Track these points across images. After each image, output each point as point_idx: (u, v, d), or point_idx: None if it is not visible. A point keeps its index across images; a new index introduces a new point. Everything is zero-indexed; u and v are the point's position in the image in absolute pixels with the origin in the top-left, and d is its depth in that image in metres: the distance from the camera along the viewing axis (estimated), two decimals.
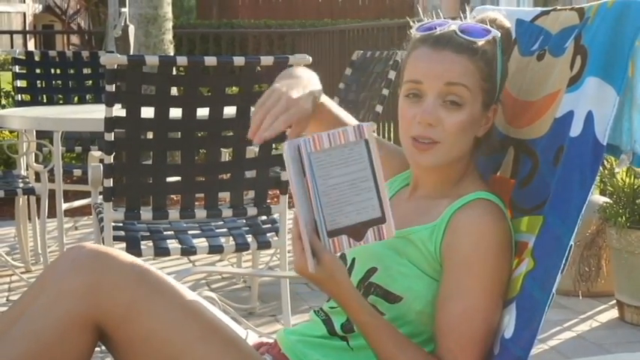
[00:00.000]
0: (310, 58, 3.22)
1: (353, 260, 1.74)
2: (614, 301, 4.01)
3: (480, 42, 1.66)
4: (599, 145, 1.56)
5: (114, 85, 3.05)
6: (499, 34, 1.70)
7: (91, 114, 3.93)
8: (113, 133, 3.08)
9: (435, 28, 1.67)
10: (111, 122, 3.07)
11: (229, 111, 3.20)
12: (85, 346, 1.66)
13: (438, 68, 1.64)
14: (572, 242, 1.57)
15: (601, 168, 3.99)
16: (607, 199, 3.97)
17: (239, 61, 3.14)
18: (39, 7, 34.63)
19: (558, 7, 1.81)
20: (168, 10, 7.43)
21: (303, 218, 1.47)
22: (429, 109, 1.62)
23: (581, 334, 3.76)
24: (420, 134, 1.64)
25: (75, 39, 11.81)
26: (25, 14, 35.25)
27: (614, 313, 4.00)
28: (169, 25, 7.41)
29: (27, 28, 29.07)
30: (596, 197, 4.14)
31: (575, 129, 1.59)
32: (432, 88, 1.63)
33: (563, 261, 1.57)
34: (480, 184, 1.72)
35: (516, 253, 1.67)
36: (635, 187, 3.84)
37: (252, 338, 1.84)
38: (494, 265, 1.62)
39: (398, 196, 1.84)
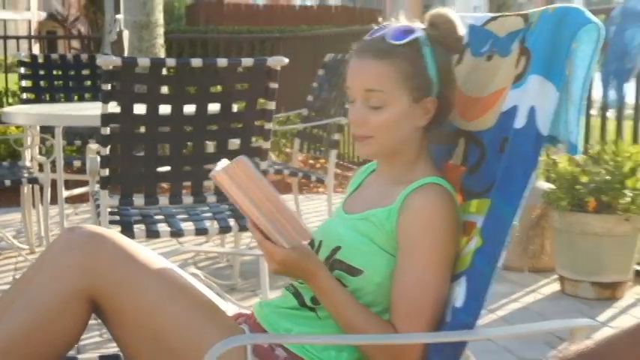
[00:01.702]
0: (286, 60, 3.23)
1: (320, 242, 1.76)
2: (556, 276, 4.05)
3: (400, 44, 1.66)
4: (541, 136, 1.57)
5: (109, 85, 3.06)
6: (422, 34, 1.69)
7: (89, 111, 3.93)
8: (109, 128, 3.09)
9: (370, 35, 1.71)
10: (106, 118, 3.08)
11: (213, 107, 3.22)
12: (80, 318, 1.67)
13: (358, 76, 1.70)
14: (515, 222, 1.58)
15: (545, 157, 4.04)
16: (551, 185, 3.99)
17: (222, 62, 3.16)
18: (43, 15, 34.48)
19: (505, 14, 1.81)
20: (159, 17, 7.41)
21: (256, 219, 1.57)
22: (355, 113, 1.69)
23: (526, 305, 3.79)
24: (354, 132, 1.72)
25: (75, 43, 11.76)
26: (30, 21, 35.17)
27: (556, 286, 4.03)
28: (161, 30, 7.39)
29: (32, 34, 28.91)
30: (541, 184, 4.15)
31: (519, 122, 1.59)
32: (357, 94, 1.70)
33: (508, 239, 1.58)
34: (432, 171, 1.73)
35: (466, 232, 1.68)
36: (575, 174, 3.86)
37: (232, 310, 1.84)
38: (442, 243, 1.63)
39: (366, 182, 1.88)
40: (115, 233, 1.78)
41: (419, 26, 1.71)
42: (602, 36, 1.55)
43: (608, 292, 3.81)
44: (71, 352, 1.80)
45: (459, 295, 1.60)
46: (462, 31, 1.74)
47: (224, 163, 1.57)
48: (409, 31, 1.68)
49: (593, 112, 4.58)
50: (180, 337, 1.63)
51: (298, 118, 5.59)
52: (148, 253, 1.75)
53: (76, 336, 1.70)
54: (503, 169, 1.60)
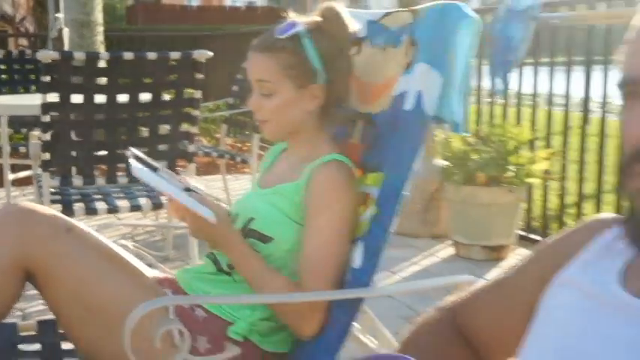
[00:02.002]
0: (210, 54, 3.22)
1: (236, 214, 1.75)
2: (451, 241, 4.10)
3: (282, 38, 1.67)
4: (427, 117, 1.58)
5: (49, 77, 2.98)
6: (302, 28, 1.69)
7: (31, 101, 3.81)
8: (48, 116, 3.01)
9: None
10: (46, 107, 3.00)
11: (145, 97, 3.17)
12: (15, 287, 1.63)
13: (250, 69, 1.72)
14: (406, 192, 1.59)
15: (442, 138, 4.10)
16: (446, 163, 4.04)
17: (152, 55, 3.10)
18: None
19: (397, 9, 1.82)
20: (99, 16, 7.25)
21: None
22: (253, 101, 1.72)
23: (425, 267, 3.84)
24: (255, 117, 1.74)
25: (24, 41, 11.41)
26: None
27: (451, 250, 4.08)
28: (100, 29, 7.23)
29: None
30: (438, 161, 4.21)
31: (408, 104, 1.60)
32: (253, 84, 1.72)
33: (399, 207, 1.59)
34: (333, 148, 1.72)
35: (363, 202, 1.68)
36: (467, 152, 3.92)
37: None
38: (342, 212, 1.63)
39: (276, 161, 1.88)
40: (45, 208, 1.74)
41: (304, 20, 1.71)
42: (479, 29, 1.57)
43: (495, 253, 3.88)
44: (14, 320, 1.76)
45: (357, 257, 1.61)
46: (350, 22, 1.74)
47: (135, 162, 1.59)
48: (292, 25, 1.69)
49: (486, 99, 4.64)
50: (108, 301, 1.60)
51: (225, 106, 5.53)
52: (81, 226, 1.71)
53: (11, 303, 1.65)
54: (394, 146, 1.62)
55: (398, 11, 1.80)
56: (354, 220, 1.66)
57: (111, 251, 1.68)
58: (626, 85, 0.87)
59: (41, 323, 1.90)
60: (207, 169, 6.37)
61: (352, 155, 1.75)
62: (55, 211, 1.74)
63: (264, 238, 1.66)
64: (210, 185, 5.60)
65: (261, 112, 1.70)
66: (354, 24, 1.75)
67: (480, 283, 1.19)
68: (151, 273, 1.77)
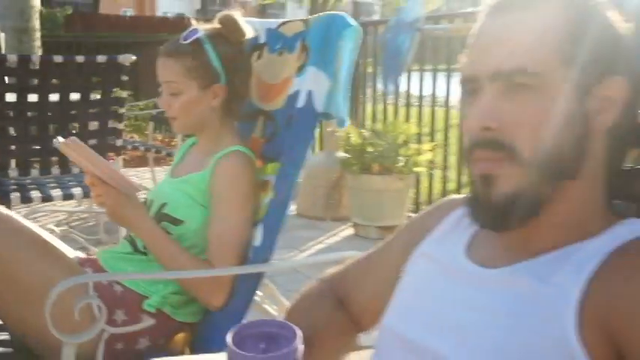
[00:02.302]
0: (134, 57, 3.12)
1: (151, 201, 1.72)
2: (351, 223, 4.12)
3: (185, 44, 1.66)
4: (316, 113, 1.59)
5: None
6: (203, 34, 1.68)
7: None
8: None
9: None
10: None
11: (75, 96, 3.06)
12: None
13: (159, 72, 1.69)
14: (299, 179, 1.59)
15: (342, 134, 4.12)
16: (345, 155, 4.07)
17: (80, 59, 3.01)
18: None
19: (292, 19, 1.81)
20: (36, 23, 6.99)
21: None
22: (162, 100, 1.70)
23: (329, 246, 3.85)
24: (166, 115, 1.71)
25: None
26: None
27: (350, 230, 4.10)
28: (38, 34, 6.97)
29: None
30: (340, 153, 4.24)
31: (301, 102, 1.60)
32: (163, 85, 1.69)
33: (294, 192, 1.60)
34: (236, 141, 1.71)
35: (264, 189, 1.68)
36: (363, 146, 3.95)
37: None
38: (243, 196, 1.63)
39: (187, 153, 1.85)
40: None
41: (205, 27, 1.70)
42: (360, 36, 1.58)
43: (388, 233, 3.87)
44: None
45: (258, 236, 1.60)
46: (246, 28, 1.73)
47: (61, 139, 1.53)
48: (194, 32, 1.68)
49: (380, 99, 4.69)
50: (30, 279, 1.53)
51: (153, 105, 5.44)
52: (7, 212, 1.64)
53: None
54: (289, 139, 1.62)
55: (292, 21, 1.80)
56: (254, 204, 1.65)
57: (33, 234, 1.61)
58: (465, 84, 0.89)
59: None
60: (138, 162, 6.23)
61: (254, 148, 1.74)
62: None
63: (176, 221, 1.64)
64: (140, 176, 5.48)
65: (171, 110, 1.68)
66: (250, 30, 1.74)
67: (356, 257, 1.20)
68: (72, 254, 1.72)
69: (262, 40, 1.83)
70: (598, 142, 0.87)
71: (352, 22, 1.58)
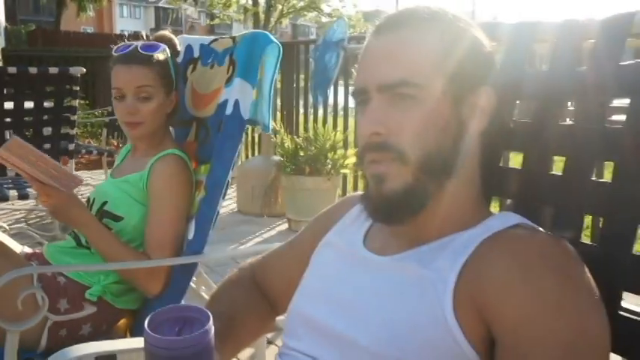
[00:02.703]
0: (84, 69, 3.05)
1: (93, 199, 1.67)
2: (285, 219, 4.11)
3: (156, 54, 1.63)
4: (243, 120, 1.57)
5: None
6: (166, 47, 1.67)
7: None
8: None
9: (125, 49, 1.62)
10: None
11: (29, 104, 2.96)
12: None
13: (129, 77, 1.60)
14: (228, 179, 1.57)
15: (276, 140, 4.10)
16: (280, 158, 4.06)
17: (33, 70, 2.92)
18: None
19: (222, 36, 1.79)
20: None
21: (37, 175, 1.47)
22: (128, 105, 1.60)
23: (265, 239, 3.82)
24: (127, 120, 1.62)
25: None
26: None
27: (285, 225, 4.09)
28: None
29: None
30: (275, 157, 4.23)
31: (229, 110, 1.58)
32: (129, 90, 1.60)
33: (224, 190, 1.58)
34: (173, 145, 1.68)
35: (197, 188, 1.65)
36: (296, 150, 3.95)
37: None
38: (178, 195, 1.60)
39: (127, 157, 1.79)
40: None
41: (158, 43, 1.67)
42: (280, 52, 1.58)
43: None
44: None
45: (191, 231, 1.58)
46: (178, 45, 1.74)
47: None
48: (158, 45, 1.65)
49: (310, 110, 4.69)
50: None
51: (107, 113, 5.31)
52: None
53: None
54: (219, 143, 1.59)
55: (223, 37, 1.78)
56: (188, 201, 1.62)
57: None
58: (357, 95, 0.90)
59: None
60: (95, 165, 6.08)
61: (189, 151, 1.71)
62: None
63: (116, 218, 1.60)
64: (95, 177, 5.33)
65: (138, 115, 1.60)
66: (178, 44, 1.76)
67: (274, 247, 1.19)
68: (19, 249, 1.65)
69: (196, 54, 1.81)
70: (473, 145, 0.89)
71: (274, 39, 1.57)
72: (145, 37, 1.73)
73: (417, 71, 0.84)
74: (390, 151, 0.84)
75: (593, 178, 0.91)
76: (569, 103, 1.02)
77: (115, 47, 1.64)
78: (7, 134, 2.94)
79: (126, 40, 1.68)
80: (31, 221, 4.15)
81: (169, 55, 1.67)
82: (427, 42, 0.85)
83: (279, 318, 1.14)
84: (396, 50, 0.85)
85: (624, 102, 0.91)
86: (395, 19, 0.88)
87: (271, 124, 1.65)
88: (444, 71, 0.85)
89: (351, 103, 4.27)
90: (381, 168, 0.85)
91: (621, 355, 0.84)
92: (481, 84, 0.88)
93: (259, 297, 1.12)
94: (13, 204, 4.25)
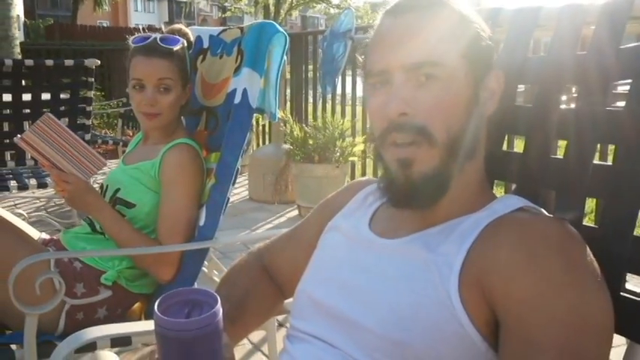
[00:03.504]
0: (99, 61, 3.04)
1: (106, 186, 1.67)
2: (296, 205, 4.10)
3: (176, 48, 1.62)
4: (251, 108, 1.57)
5: None
6: (185, 41, 1.66)
7: None
8: None
9: (144, 40, 1.61)
10: None
11: (46, 96, 2.97)
12: None
13: (151, 69, 1.59)
14: (238, 166, 1.57)
15: (286, 129, 4.09)
16: (290, 146, 4.05)
17: (49, 62, 2.91)
18: None
19: (230, 27, 1.78)
20: (16, 32, 6.76)
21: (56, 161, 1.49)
22: (148, 96, 1.59)
23: (276, 225, 3.82)
24: (145, 111, 1.61)
25: None
26: None
27: (295, 212, 4.08)
28: (17, 42, 6.76)
29: None
30: (285, 146, 4.22)
31: (238, 99, 1.57)
32: (150, 82, 1.59)
33: (234, 177, 1.57)
34: (185, 134, 1.67)
35: (208, 175, 1.64)
36: (305, 138, 3.94)
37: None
38: (189, 182, 1.59)
39: (138, 145, 1.78)
40: None
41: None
42: (287, 42, 1.56)
43: None
44: None
45: (202, 217, 1.57)
46: (191, 37, 1.73)
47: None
48: (176, 39, 1.64)
49: (319, 98, 4.67)
50: None
51: (122, 104, 5.32)
52: None
53: None
54: (229, 131, 1.58)
55: (231, 28, 1.77)
56: (199, 189, 1.61)
57: (3, 220, 1.55)
58: (374, 77, 0.86)
59: None
60: (111, 154, 6.09)
61: (200, 139, 1.71)
62: None
63: (129, 205, 1.60)
64: (111, 166, 5.35)
65: (157, 106, 1.60)
66: (192, 36, 1.73)
67: (281, 233, 1.19)
68: (37, 235, 1.66)
69: (206, 45, 1.80)
70: (483, 128, 0.88)
71: (280, 29, 1.56)
72: (161, 30, 1.72)
73: (441, 51, 0.82)
74: (416, 132, 0.82)
75: (596, 161, 0.89)
76: (572, 88, 1.00)
77: (132, 37, 1.62)
78: (26, 125, 2.95)
79: (143, 32, 1.66)
80: (50, 209, 4.17)
81: (186, 49, 1.67)
82: (447, 23, 0.83)
83: (288, 301, 1.13)
84: (419, 30, 0.83)
85: (625, 87, 0.89)
86: (410, 1, 0.85)
87: (279, 112, 1.63)
88: (463, 52, 0.83)
89: (359, 92, 4.25)
90: (408, 152, 0.83)
91: (624, 336, 0.82)
92: (492, 67, 0.87)
93: (267, 280, 1.11)
94: (33, 192, 4.29)
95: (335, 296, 0.88)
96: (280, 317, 2.10)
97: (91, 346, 1.28)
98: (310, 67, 4.73)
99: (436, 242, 0.83)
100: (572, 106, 0.93)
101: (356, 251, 0.91)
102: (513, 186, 1.00)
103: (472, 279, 0.77)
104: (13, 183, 2.97)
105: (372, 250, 0.90)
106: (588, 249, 0.78)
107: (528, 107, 0.98)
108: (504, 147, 1.02)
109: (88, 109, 3.10)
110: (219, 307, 0.78)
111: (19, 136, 1.46)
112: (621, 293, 0.83)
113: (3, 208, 1.65)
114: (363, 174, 4.30)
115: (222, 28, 1.81)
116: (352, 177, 4.28)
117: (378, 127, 0.86)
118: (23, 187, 2.98)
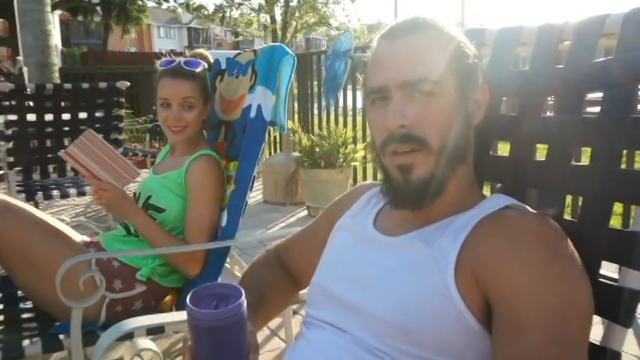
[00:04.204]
0: (128, 83, 3.05)
1: (139, 193, 1.68)
2: (305, 206, 4.10)
3: (198, 70, 1.62)
4: (265, 122, 1.57)
5: (8, 102, 2.74)
6: (206, 64, 1.67)
7: None
8: (10, 130, 2.77)
9: (170, 64, 1.62)
10: (8, 124, 2.76)
11: (82, 115, 2.98)
12: None
13: (176, 89, 1.60)
14: (254, 173, 1.57)
15: (295, 138, 4.09)
16: (298, 154, 4.05)
17: (85, 85, 2.92)
18: None
19: (245, 50, 1.79)
20: (55, 59, 6.84)
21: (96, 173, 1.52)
22: (174, 113, 1.61)
23: (288, 224, 3.81)
24: (172, 125, 1.62)
25: (3, 77, 10.57)
26: None
27: (305, 212, 4.08)
28: (56, 67, 6.84)
29: None
30: (294, 153, 4.22)
31: (253, 113, 1.57)
32: (175, 100, 1.60)
33: (251, 183, 1.57)
34: (207, 146, 1.67)
35: (228, 182, 1.65)
36: (313, 146, 3.94)
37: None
38: (212, 189, 1.59)
39: (167, 157, 1.78)
40: (5, 197, 1.57)
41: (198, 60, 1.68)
42: (295, 62, 1.57)
43: None
44: None
45: (224, 219, 1.57)
46: (211, 59, 1.75)
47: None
48: (198, 62, 1.65)
49: (324, 111, 4.67)
50: (43, 259, 1.48)
51: (149, 120, 5.34)
52: (19, 204, 1.56)
53: None
54: (245, 142, 1.59)
55: (246, 51, 1.77)
56: (221, 194, 1.62)
57: (45, 223, 1.55)
58: (374, 93, 0.87)
59: (2, 278, 1.75)
60: (140, 165, 6.10)
61: (220, 150, 1.71)
62: (9, 197, 1.58)
63: (159, 210, 1.60)
64: (142, 176, 5.36)
65: (182, 121, 1.61)
66: (211, 59, 1.75)
67: (294, 231, 1.19)
68: (79, 238, 1.67)
69: (223, 66, 1.80)
70: (472, 136, 0.88)
71: (289, 51, 1.56)
72: (184, 54, 1.73)
73: (435, 70, 0.82)
74: (414, 142, 0.82)
75: (573, 163, 0.89)
76: (550, 98, 1.00)
77: (160, 61, 1.64)
78: (65, 141, 2.96)
79: (167, 56, 1.68)
80: (88, 214, 4.18)
81: (207, 70, 1.68)
82: (437, 45, 0.84)
83: (303, 292, 1.13)
84: (415, 51, 0.83)
85: (598, 95, 0.89)
86: (406, 25, 0.85)
87: (288, 124, 1.63)
88: (453, 70, 0.83)
89: (359, 104, 4.25)
90: (407, 158, 0.83)
91: (601, 316, 0.82)
92: (479, 81, 0.87)
93: (284, 274, 1.12)
94: (73, 200, 4.31)
95: (346, 288, 0.88)
96: (295, 306, 2.10)
97: (129, 335, 1.29)
98: (315, 83, 4.74)
99: (433, 238, 0.83)
100: (551, 114, 0.93)
101: (363, 247, 0.92)
102: (498, 185, 1.01)
103: (466, 270, 0.77)
104: (56, 192, 2.99)
105: (376, 246, 0.90)
106: (569, 240, 0.78)
107: (513, 116, 0.98)
108: (492, 151, 1.02)
109: (120, 125, 3.11)
110: (243, 299, 0.78)
111: (62, 150, 1.48)
112: (598, 279, 0.83)
113: (48, 214, 1.65)
114: (364, 177, 4.29)
115: (237, 51, 1.82)
116: (354, 180, 4.27)
117: (378, 137, 0.87)
118: (65, 195, 3.00)
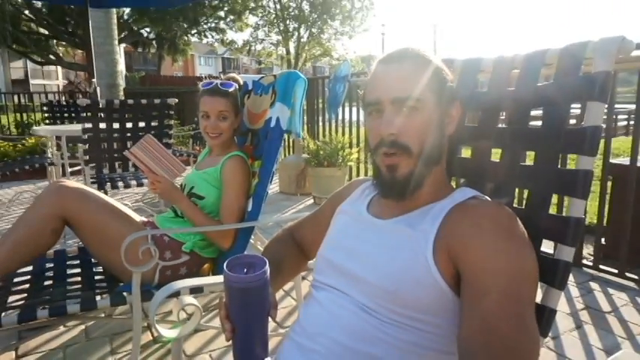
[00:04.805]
0: (176, 100, 3.04)
1: (184, 185, 1.67)
2: (312, 196, 4.08)
3: (230, 90, 1.61)
4: (282, 130, 1.56)
5: (85, 113, 2.74)
6: (237, 85, 1.66)
7: (77, 127, 3.51)
8: (87, 135, 2.77)
9: (210, 85, 1.62)
10: (85, 130, 2.76)
11: (141, 124, 2.97)
12: (56, 231, 1.48)
13: (212, 105, 1.60)
14: (274, 170, 1.56)
15: (304, 143, 4.08)
16: (307, 155, 4.04)
17: (144, 101, 2.92)
18: (64, 81, 30.47)
19: (267, 75, 1.78)
20: (121, 82, 6.82)
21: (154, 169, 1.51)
22: (212, 123, 1.60)
23: (298, 210, 3.79)
24: (210, 133, 1.62)
25: (81, 95, 10.57)
26: (58, 85, 30.91)
27: (311, 201, 4.05)
28: (122, 88, 6.81)
29: (59, 91, 25.52)
30: (304, 155, 4.20)
31: (273, 124, 1.57)
32: (213, 113, 1.60)
33: (271, 177, 1.56)
34: (237, 148, 1.67)
35: (253, 176, 1.64)
36: (318, 150, 3.93)
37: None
38: (241, 182, 1.59)
39: (206, 157, 1.77)
40: (72, 182, 1.57)
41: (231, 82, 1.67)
42: (306, 84, 1.56)
43: None
44: (61, 248, 1.61)
45: (250, 205, 1.57)
46: (241, 81, 1.72)
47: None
48: (231, 83, 1.64)
49: (327, 122, 4.65)
50: (112, 234, 1.49)
51: (192, 128, 5.33)
52: (93, 191, 1.57)
53: (53, 242, 1.49)
54: (267, 146, 1.58)
55: (268, 75, 1.76)
56: (248, 186, 1.61)
57: (113, 206, 1.56)
58: (370, 106, 0.86)
59: (80, 249, 1.76)
60: (185, 163, 6.09)
61: (248, 152, 1.70)
62: (78, 184, 1.59)
63: (200, 197, 1.60)
64: (186, 172, 5.35)
65: (218, 129, 1.61)
66: (242, 81, 1.73)
67: (304, 215, 1.18)
68: (138, 218, 1.67)
69: (250, 87, 1.80)
70: (446, 143, 0.87)
71: (302, 75, 1.55)
72: (220, 77, 1.73)
73: (419, 90, 0.82)
74: (399, 148, 0.82)
75: (521, 163, 0.89)
76: (502, 113, 0.99)
77: (201, 83, 1.64)
78: (128, 144, 2.96)
79: (206, 79, 1.67)
80: (145, 200, 4.19)
81: (238, 91, 1.67)
82: (422, 70, 0.83)
83: (310, 262, 1.13)
84: (404, 74, 0.83)
85: (540, 112, 0.88)
86: (399, 53, 0.85)
87: (302, 132, 1.63)
88: (434, 90, 0.83)
89: (354, 117, 4.23)
90: (393, 160, 0.83)
91: (540, 282, 0.82)
92: (454, 99, 0.86)
93: (296, 248, 1.12)
94: (133, 189, 4.32)
95: (345, 259, 0.88)
96: (303, 273, 2.10)
97: (177, 293, 1.29)
98: (320, 100, 4.72)
99: (416, 222, 0.83)
100: (504, 125, 0.93)
101: (358, 227, 0.91)
102: (462, 180, 1.00)
103: (442, 247, 0.77)
104: (120, 183, 2.99)
105: (369, 226, 0.89)
106: (520, 223, 0.78)
107: (475, 126, 0.97)
108: (458, 154, 1.01)
109: (170, 132, 3.10)
110: (267, 267, 0.78)
111: (127, 150, 1.48)
112: (540, 253, 0.83)
113: (116, 199, 1.65)
114: (358, 174, 4.28)
115: (261, 75, 1.81)
116: (350, 176, 4.26)
117: (373, 141, 0.87)
118: (127, 185, 3.00)
